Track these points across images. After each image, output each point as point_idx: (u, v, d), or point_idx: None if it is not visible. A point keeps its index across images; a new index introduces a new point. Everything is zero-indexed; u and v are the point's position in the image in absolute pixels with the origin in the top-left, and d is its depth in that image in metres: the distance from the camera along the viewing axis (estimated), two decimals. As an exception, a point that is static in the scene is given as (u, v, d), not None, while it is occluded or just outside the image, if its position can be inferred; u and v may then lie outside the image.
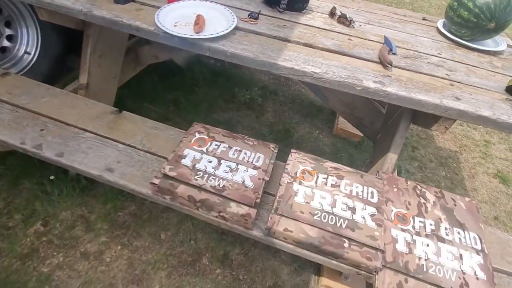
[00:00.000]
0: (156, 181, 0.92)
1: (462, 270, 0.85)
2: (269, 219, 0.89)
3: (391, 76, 0.95)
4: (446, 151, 2.03)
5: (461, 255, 0.88)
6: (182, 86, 2.07)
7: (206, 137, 1.08)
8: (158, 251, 1.30)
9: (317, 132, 1.97)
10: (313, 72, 0.94)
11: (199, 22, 1.02)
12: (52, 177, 1.39)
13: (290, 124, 1.98)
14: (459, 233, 0.93)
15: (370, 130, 1.48)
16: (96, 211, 1.37)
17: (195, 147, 1.03)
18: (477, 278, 0.85)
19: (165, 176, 0.93)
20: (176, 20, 1.08)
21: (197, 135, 1.08)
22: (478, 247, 0.91)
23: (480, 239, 0.93)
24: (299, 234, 0.87)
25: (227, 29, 1.04)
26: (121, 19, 1.07)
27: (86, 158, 1.03)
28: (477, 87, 0.99)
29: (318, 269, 1.35)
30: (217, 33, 1.01)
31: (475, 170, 1.94)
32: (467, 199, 1.04)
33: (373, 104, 1.43)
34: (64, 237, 1.27)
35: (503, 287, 0.93)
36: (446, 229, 0.93)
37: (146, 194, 0.97)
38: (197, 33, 1.00)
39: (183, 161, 0.98)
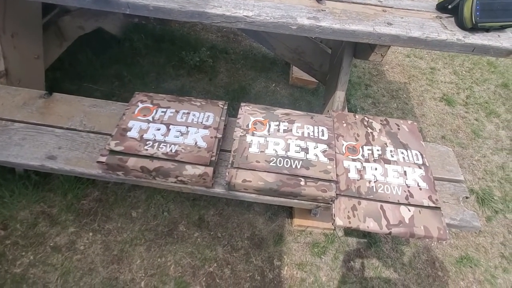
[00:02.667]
0: (103, 158, 0.88)
1: (406, 184, 0.95)
2: (227, 173, 0.90)
3: (325, 10, 0.93)
4: (396, 83, 2.12)
5: (405, 172, 0.97)
6: (122, 58, 1.90)
7: (151, 105, 1.02)
8: (133, 229, 1.30)
9: (273, 85, 1.95)
10: (246, 16, 0.88)
11: (111, -24, 0.90)
12: (-4, 179, 1.28)
13: (246, 81, 1.94)
14: (402, 153, 1.01)
15: (320, 73, 1.49)
16: (57, 204, 1.31)
17: (139, 117, 0.98)
18: (420, 188, 0.95)
19: (112, 152, 0.89)
20: (84, -23, 0.94)
21: (140, 105, 1.02)
22: (420, 162, 1.00)
23: (421, 155, 1.03)
24: (258, 182, 0.89)
25: (145, -20, 0.92)
26: (17, -15, 0.91)
27: (22, 150, 0.95)
28: (409, 9, 0.99)
29: (290, 213, 1.44)
30: (134, -14, 0.89)
31: (423, 97, 2.07)
32: (409, 121, 1.12)
33: (319, 46, 1.42)
34: (28, 236, 1.22)
35: (445, 193, 1.05)
36: (391, 151, 1.01)
37: (97, 174, 0.94)
38: (110, -11, 0.88)
39: (129, 134, 0.93)
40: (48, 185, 1.34)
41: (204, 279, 1.20)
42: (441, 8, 1.01)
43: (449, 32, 0.91)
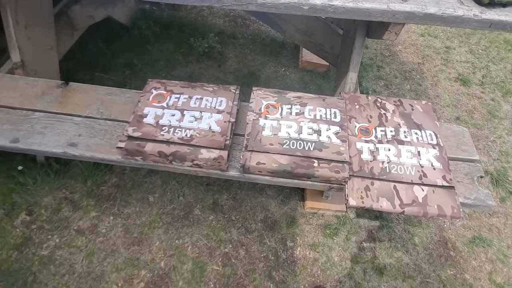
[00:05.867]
0: (122, 144, 0.91)
1: (420, 164, 0.95)
2: (241, 156, 0.92)
3: (337, -12, 0.90)
4: (409, 64, 2.07)
5: (419, 152, 0.97)
6: (132, 46, 1.91)
7: (164, 92, 1.04)
8: (150, 213, 1.35)
9: (283, 69, 1.94)
10: (256, -2, 0.87)
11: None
12: (20, 168, 1.34)
13: (255, 66, 1.93)
14: (416, 133, 1.01)
15: (331, 55, 1.46)
16: (78, 190, 1.37)
17: (154, 103, 1.00)
18: (434, 168, 0.95)
19: (130, 137, 0.92)
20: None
21: (154, 92, 1.04)
22: (434, 142, 1.00)
23: (435, 135, 1.02)
24: (272, 164, 0.91)
25: (154, -35, 0.92)
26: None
27: (45, 138, 0.99)
28: (424, -15, 0.96)
29: (302, 196, 1.46)
30: (144, -29, 0.90)
31: (437, 77, 2.01)
32: (423, 102, 1.10)
33: (330, 27, 1.39)
34: (53, 220, 1.29)
35: (460, 172, 1.05)
36: (405, 132, 1.01)
37: (116, 160, 0.97)
38: (121, -25, 0.88)
39: (145, 120, 0.96)
40: (68, 172, 1.40)
41: (220, 259, 1.25)
42: (458, -18, 0.97)
43: (466, 8, 0.88)
